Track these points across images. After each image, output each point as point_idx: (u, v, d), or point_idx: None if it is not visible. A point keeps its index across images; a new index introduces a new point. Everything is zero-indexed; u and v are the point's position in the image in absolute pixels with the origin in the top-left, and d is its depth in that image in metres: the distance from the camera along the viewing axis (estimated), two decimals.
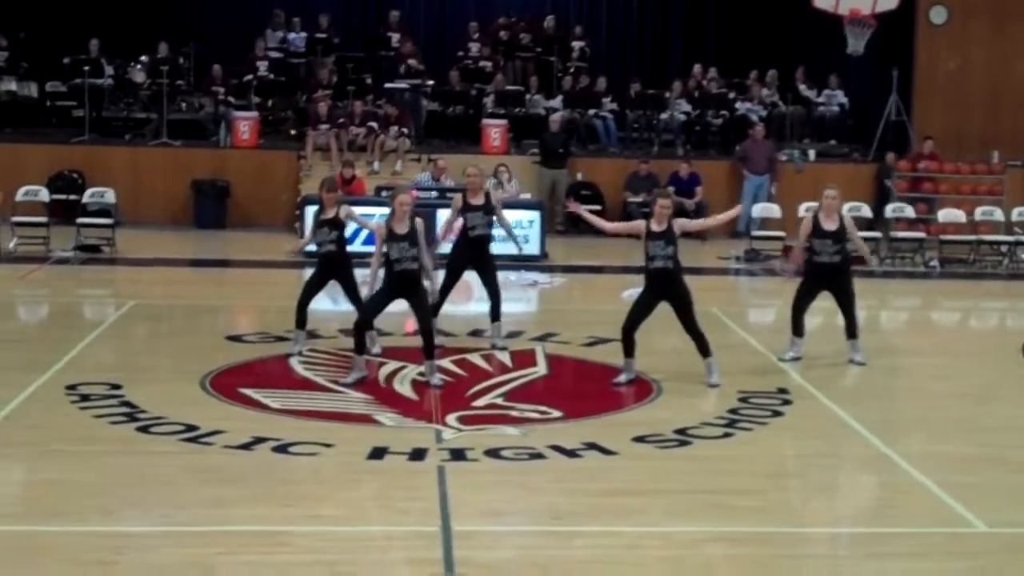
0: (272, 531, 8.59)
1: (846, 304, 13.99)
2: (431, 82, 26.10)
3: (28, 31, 26.27)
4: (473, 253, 14.09)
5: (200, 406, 11.63)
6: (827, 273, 13.85)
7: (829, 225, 13.78)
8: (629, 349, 12.83)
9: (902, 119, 26.04)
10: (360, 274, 13.53)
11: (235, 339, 14.63)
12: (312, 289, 13.77)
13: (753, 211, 23.48)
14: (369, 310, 12.72)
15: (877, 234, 22.61)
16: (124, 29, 26.57)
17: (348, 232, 13.81)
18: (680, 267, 12.73)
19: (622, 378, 12.88)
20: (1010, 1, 26.56)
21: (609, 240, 23.34)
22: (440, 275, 13.53)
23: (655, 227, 12.58)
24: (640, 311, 12.83)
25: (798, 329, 14.07)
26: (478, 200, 14.13)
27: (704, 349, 12.89)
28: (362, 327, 12.62)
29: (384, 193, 20.04)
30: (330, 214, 13.41)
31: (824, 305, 14.09)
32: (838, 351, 14.09)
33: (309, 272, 15.67)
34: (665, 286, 12.69)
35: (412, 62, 26.05)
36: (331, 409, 11.72)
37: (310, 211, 19.08)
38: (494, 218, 14.24)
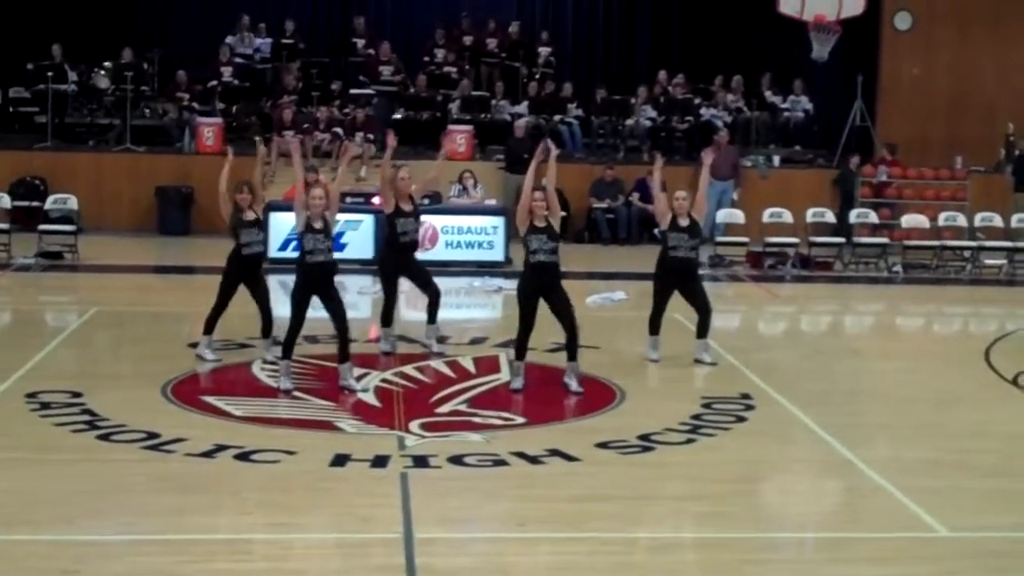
0: (234, 539, 8.55)
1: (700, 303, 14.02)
2: (395, 88, 26.10)
3: None
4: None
5: (162, 414, 11.56)
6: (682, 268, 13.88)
7: (683, 222, 13.81)
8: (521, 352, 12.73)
9: (867, 125, 26.19)
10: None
11: (197, 346, 14.53)
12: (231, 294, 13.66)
13: (717, 216, 23.57)
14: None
15: (841, 239, 22.74)
16: (88, 34, 26.45)
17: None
18: (558, 265, 12.64)
19: (518, 384, 12.78)
20: (974, 7, 26.79)
21: (573, 245, 23.47)
22: None
23: (537, 223, 12.48)
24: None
25: (654, 327, 14.04)
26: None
27: (572, 352, 12.72)
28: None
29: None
30: (250, 216, 13.41)
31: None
32: (802, 356, 14.11)
33: (278, 278, 15.70)
34: (547, 280, 12.58)
35: (389, 68, 25.98)
36: (293, 416, 11.69)
37: (273, 217, 19.26)
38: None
